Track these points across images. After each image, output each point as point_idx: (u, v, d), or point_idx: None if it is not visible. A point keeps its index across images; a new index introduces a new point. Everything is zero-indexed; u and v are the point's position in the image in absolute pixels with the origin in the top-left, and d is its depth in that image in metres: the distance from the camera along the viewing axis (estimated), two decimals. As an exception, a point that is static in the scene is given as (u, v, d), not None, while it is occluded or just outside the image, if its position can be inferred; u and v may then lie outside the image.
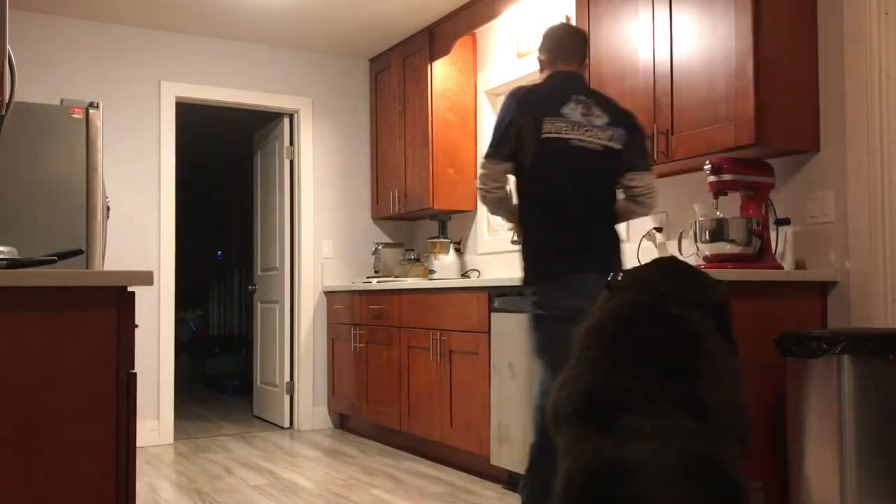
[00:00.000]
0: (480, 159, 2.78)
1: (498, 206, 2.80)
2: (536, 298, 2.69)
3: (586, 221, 2.70)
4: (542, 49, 2.87)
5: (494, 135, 2.74)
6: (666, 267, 1.89)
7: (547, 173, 2.68)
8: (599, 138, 2.70)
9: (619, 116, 2.78)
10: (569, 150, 2.67)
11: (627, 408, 1.45)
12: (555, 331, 2.59)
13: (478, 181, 2.77)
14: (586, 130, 2.69)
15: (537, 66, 2.93)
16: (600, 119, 2.72)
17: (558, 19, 4.26)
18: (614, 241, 2.75)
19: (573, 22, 3.84)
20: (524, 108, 2.70)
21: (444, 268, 4.98)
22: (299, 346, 5.48)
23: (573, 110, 2.70)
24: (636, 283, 1.81)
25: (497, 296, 3.72)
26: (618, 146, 2.73)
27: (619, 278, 1.84)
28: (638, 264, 2.01)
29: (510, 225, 4.76)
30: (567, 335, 2.09)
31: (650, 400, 1.46)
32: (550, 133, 2.66)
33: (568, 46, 2.82)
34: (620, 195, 2.83)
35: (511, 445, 3.59)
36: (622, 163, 2.76)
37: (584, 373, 1.57)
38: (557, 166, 2.68)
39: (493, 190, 2.74)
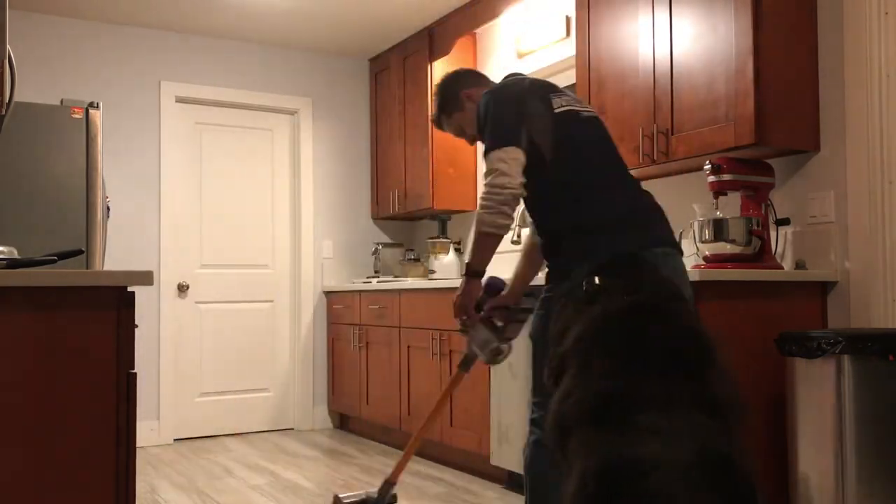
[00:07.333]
0: (494, 153, 2.12)
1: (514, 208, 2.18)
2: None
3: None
4: (463, 89, 2.43)
5: (501, 121, 2.18)
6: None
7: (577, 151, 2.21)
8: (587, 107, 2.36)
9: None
10: (584, 121, 2.26)
11: (642, 408, 1.44)
12: None
13: (503, 179, 2.09)
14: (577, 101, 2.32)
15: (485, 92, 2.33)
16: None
17: (558, 19, 4.26)
18: None
19: (573, 22, 3.84)
20: (527, 88, 2.26)
21: (444, 268, 4.97)
22: (299, 346, 5.48)
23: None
24: (626, 282, 1.79)
25: (497, 296, 3.71)
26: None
27: (605, 280, 1.81)
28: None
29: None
30: None
31: (666, 399, 1.45)
32: (562, 107, 2.23)
33: (477, 73, 2.54)
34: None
35: (511, 445, 3.58)
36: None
37: (593, 378, 1.56)
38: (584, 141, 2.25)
39: (520, 186, 2.13)
